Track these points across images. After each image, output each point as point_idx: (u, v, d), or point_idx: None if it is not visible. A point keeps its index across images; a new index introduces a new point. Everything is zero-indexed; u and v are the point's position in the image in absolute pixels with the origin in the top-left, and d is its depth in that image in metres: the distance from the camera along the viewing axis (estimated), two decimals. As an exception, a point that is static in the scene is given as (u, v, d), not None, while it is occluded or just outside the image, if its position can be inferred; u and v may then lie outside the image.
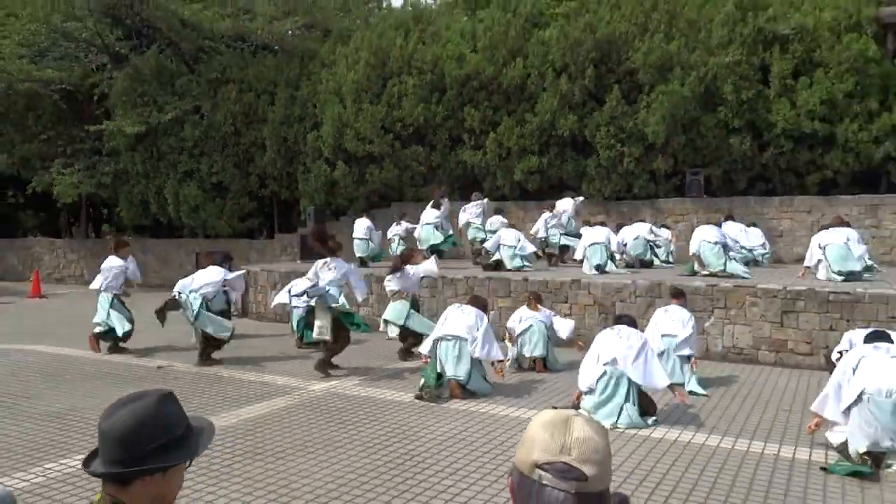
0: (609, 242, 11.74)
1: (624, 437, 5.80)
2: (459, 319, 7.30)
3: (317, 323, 8.19)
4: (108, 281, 9.81)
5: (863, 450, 4.97)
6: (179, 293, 8.98)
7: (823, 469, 5.08)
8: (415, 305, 9.27)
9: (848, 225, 10.61)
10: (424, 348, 7.49)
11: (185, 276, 9.63)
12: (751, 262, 12.00)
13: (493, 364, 7.31)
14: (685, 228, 14.00)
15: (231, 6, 19.68)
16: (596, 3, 15.77)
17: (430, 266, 9.38)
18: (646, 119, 14.12)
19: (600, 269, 11.31)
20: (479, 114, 15.94)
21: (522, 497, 1.28)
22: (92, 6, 19.26)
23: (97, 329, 9.78)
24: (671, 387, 6.45)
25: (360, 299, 9.20)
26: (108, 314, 9.68)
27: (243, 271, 9.91)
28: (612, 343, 6.31)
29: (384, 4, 24.25)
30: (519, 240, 12.16)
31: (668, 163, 14.51)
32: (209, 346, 8.99)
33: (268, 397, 7.23)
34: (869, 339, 5.63)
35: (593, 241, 11.61)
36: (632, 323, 6.64)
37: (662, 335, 7.47)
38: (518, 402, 6.93)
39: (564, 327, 8.70)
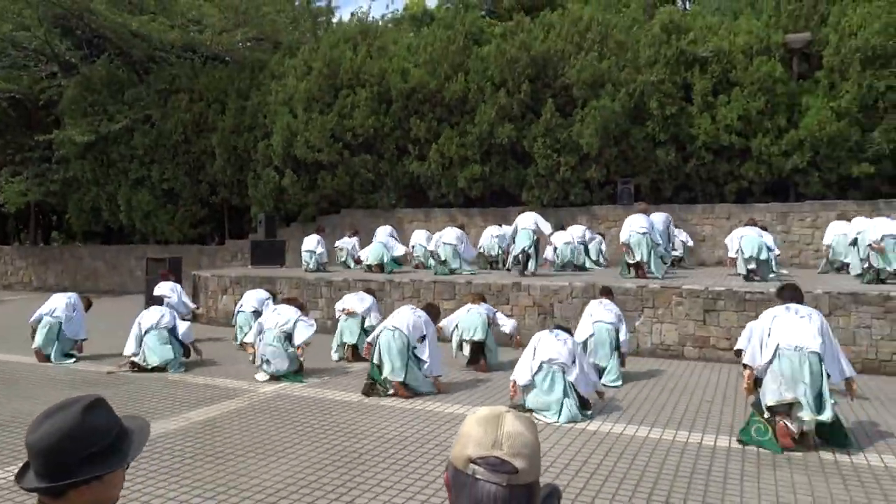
0: (537, 228, 11.48)
1: (560, 430, 5.87)
2: (407, 317, 7.27)
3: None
4: (56, 312, 9.32)
5: (771, 403, 5.25)
6: (135, 354, 8.58)
7: (740, 441, 5.39)
8: (362, 325, 9.21)
9: (764, 229, 11.10)
10: (371, 337, 7.44)
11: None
12: (676, 262, 12.45)
13: (430, 376, 7.26)
14: (617, 233, 14.29)
15: (180, 17, 19.16)
16: (530, 23, 16.03)
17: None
18: (580, 131, 14.42)
19: (525, 252, 11.23)
20: (425, 125, 15.99)
21: (457, 490, 1.28)
22: (41, 16, 18.48)
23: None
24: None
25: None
26: (56, 341, 9.18)
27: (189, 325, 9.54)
28: (550, 343, 6.39)
29: (334, 19, 24.07)
30: (461, 241, 12.18)
31: (601, 172, 14.84)
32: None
33: (217, 400, 7.03)
34: (781, 294, 5.89)
35: (522, 226, 11.49)
36: (567, 331, 6.77)
37: (595, 321, 7.68)
38: (461, 400, 6.94)
39: (507, 323, 8.77)
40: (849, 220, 11.63)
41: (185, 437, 5.71)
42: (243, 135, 18.08)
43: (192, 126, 18.63)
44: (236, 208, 19.51)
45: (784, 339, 5.33)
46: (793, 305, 5.64)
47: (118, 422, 1.60)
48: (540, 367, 6.24)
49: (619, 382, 7.52)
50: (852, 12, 13.58)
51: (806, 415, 5.13)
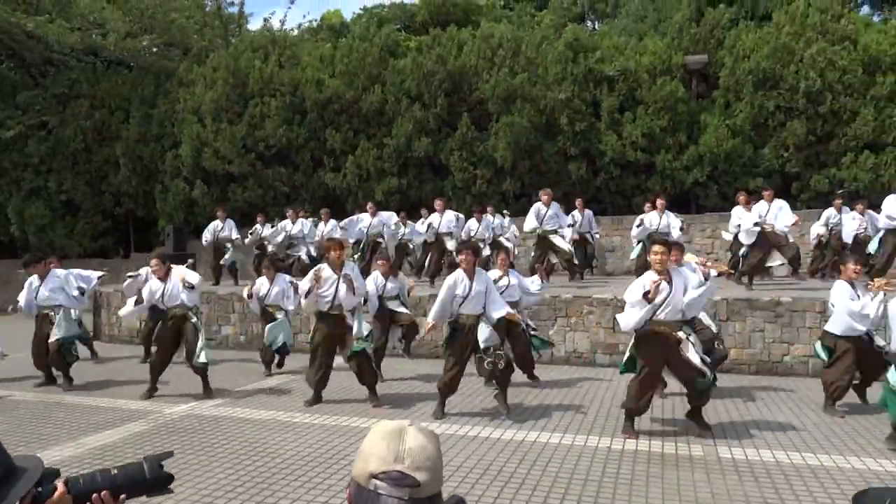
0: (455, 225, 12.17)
1: (477, 440, 5.93)
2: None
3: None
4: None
5: None
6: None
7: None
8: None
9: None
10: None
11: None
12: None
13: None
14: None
15: (80, 20, 18.22)
16: (445, 38, 16.28)
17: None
18: (495, 145, 14.72)
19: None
20: (341, 136, 15.87)
21: None
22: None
23: None
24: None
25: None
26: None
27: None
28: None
29: (248, 26, 23.54)
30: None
31: (515, 185, 15.19)
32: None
33: (120, 423, 6.66)
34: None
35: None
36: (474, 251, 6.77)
37: None
38: (378, 414, 6.89)
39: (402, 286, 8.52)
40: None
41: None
42: (149, 144, 17.36)
43: (93, 134, 17.72)
44: (143, 220, 18.66)
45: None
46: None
47: (7, 461, 1.44)
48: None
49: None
50: (745, 37, 14.58)
51: None
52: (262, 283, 8.93)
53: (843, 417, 6.48)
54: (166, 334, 7.63)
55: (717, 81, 14.86)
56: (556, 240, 11.16)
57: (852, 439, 5.83)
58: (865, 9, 20.29)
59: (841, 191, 12.78)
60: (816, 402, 6.99)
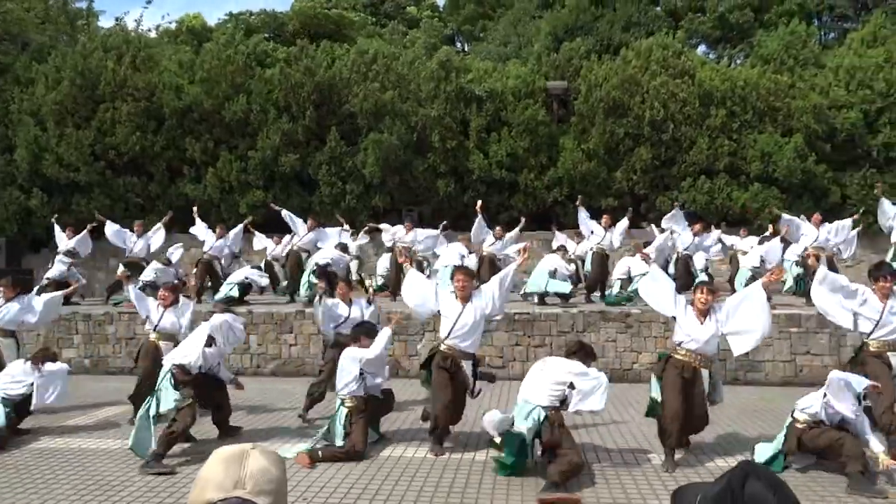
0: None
1: (378, 461, 5.85)
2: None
3: None
4: None
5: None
6: None
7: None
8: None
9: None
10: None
11: None
12: None
13: None
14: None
15: None
16: (315, 50, 16.11)
17: None
18: (364, 160, 14.72)
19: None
20: (201, 146, 15.15)
21: None
22: None
23: None
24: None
25: None
26: None
27: None
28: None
29: (94, 24, 21.85)
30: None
31: (385, 200, 15.25)
32: None
33: (-67, 462, 5.88)
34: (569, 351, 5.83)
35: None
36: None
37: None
38: (234, 440, 6.60)
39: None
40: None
41: None
42: (-23, 147, 15.61)
43: None
44: (-33, 232, 16.66)
45: (522, 390, 5.47)
46: (549, 359, 5.77)
47: None
48: None
49: None
50: (598, 67, 15.68)
51: None
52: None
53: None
54: None
55: (574, 107, 15.83)
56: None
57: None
58: (702, 48, 22.62)
59: (680, 211, 14.03)
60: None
